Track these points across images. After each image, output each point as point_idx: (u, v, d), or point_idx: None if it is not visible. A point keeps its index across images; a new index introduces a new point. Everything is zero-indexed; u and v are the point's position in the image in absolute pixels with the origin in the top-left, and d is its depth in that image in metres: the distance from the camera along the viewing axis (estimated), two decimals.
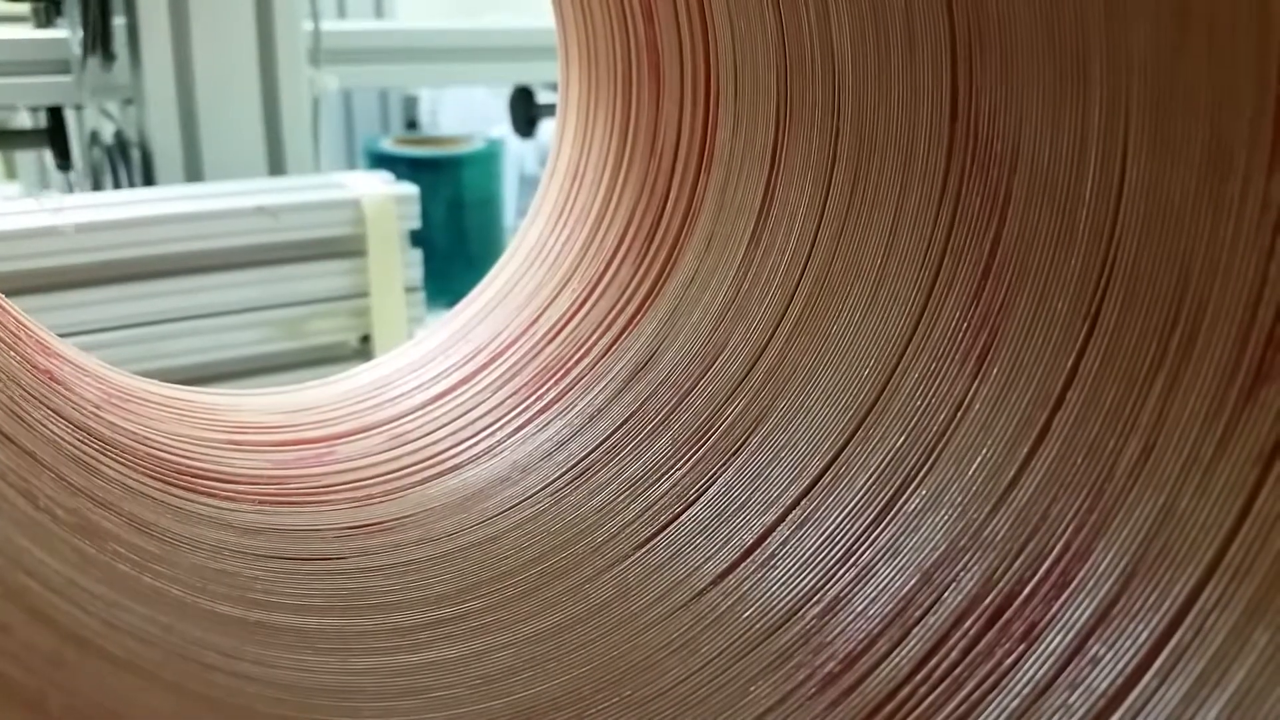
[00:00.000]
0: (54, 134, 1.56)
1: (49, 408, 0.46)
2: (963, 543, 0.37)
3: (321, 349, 1.25)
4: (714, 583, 0.43)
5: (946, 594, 0.37)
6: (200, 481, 0.51)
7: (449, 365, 0.65)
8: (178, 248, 1.16)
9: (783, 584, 0.41)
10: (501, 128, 2.45)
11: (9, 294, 0.55)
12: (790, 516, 0.44)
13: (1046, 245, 0.38)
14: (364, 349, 1.27)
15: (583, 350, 0.58)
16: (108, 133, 1.62)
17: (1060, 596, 0.34)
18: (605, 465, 0.52)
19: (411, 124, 2.88)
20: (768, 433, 0.47)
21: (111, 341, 1.12)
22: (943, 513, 0.39)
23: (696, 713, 0.38)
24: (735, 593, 0.42)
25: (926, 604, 0.37)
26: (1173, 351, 0.33)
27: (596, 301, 0.60)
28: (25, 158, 2.07)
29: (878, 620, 0.38)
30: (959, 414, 0.40)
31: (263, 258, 1.20)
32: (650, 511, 0.48)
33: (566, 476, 0.52)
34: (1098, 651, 0.32)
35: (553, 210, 0.68)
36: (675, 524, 0.47)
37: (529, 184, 2.70)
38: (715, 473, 0.47)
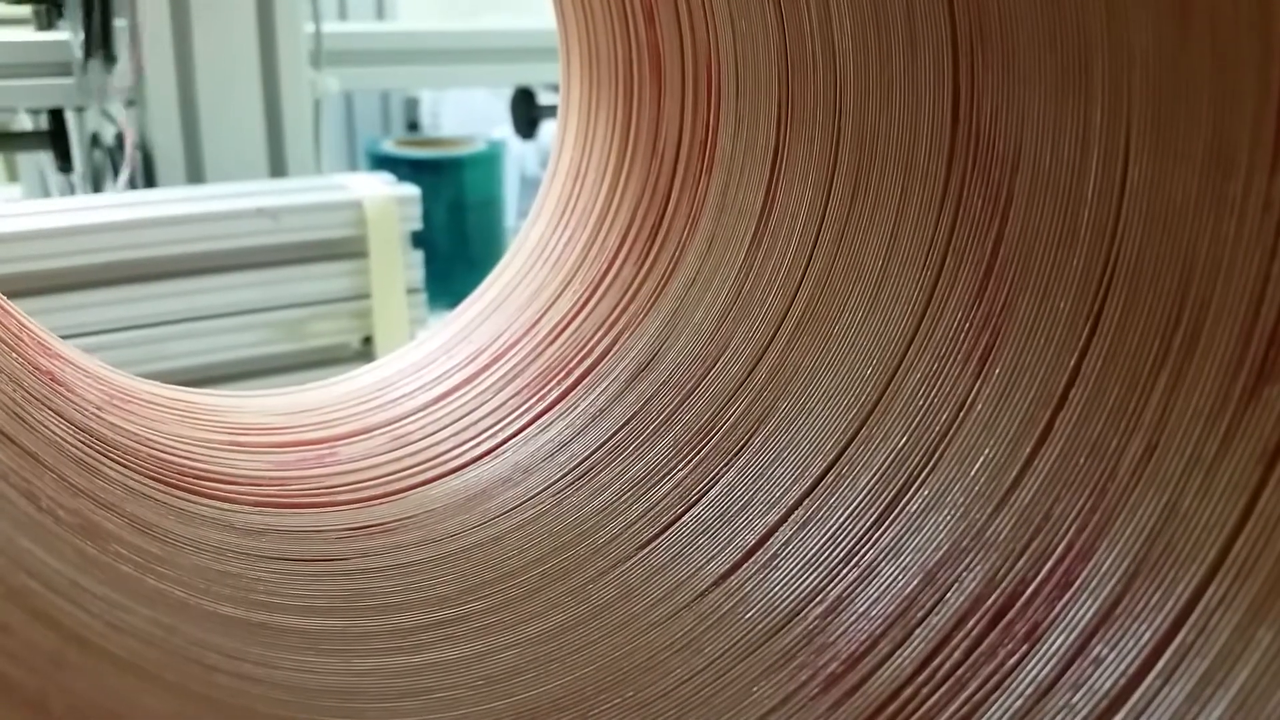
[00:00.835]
0: (55, 136, 1.56)
1: (51, 409, 0.46)
2: (965, 543, 0.37)
3: (323, 350, 1.25)
4: (716, 583, 0.43)
5: (949, 594, 0.37)
6: (202, 483, 0.51)
7: (451, 366, 0.65)
8: (179, 249, 1.16)
9: (785, 584, 0.41)
10: (503, 129, 2.45)
11: (10, 295, 0.55)
12: (793, 517, 0.44)
13: (1049, 245, 0.38)
14: (366, 350, 1.27)
15: (584, 351, 0.58)
16: (109, 134, 1.62)
17: (1063, 596, 0.34)
18: (607, 466, 0.52)
19: (413, 125, 2.88)
20: (770, 433, 0.47)
21: (113, 343, 1.12)
22: (945, 513, 0.39)
23: (699, 713, 0.38)
24: (738, 593, 0.42)
25: (929, 604, 0.37)
26: (1175, 351, 0.33)
27: (598, 302, 0.60)
28: (26, 160, 2.07)
29: (880, 620, 0.38)
30: (961, 414, 0.40)
31: (264, 259, 1.20)
32: (653, 512, 0.48)
33: (569, 477, 0.52)
34: (1101, 652, 0.32)
35: (554, 211, 0.68)
36: (678, 524, 0.47)
37: (530, 185, 2.70)
38: (718, 473, 0.47)
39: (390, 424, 0.61)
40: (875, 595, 0.39)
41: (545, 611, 0.44)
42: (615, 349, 0.57)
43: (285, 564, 0.46)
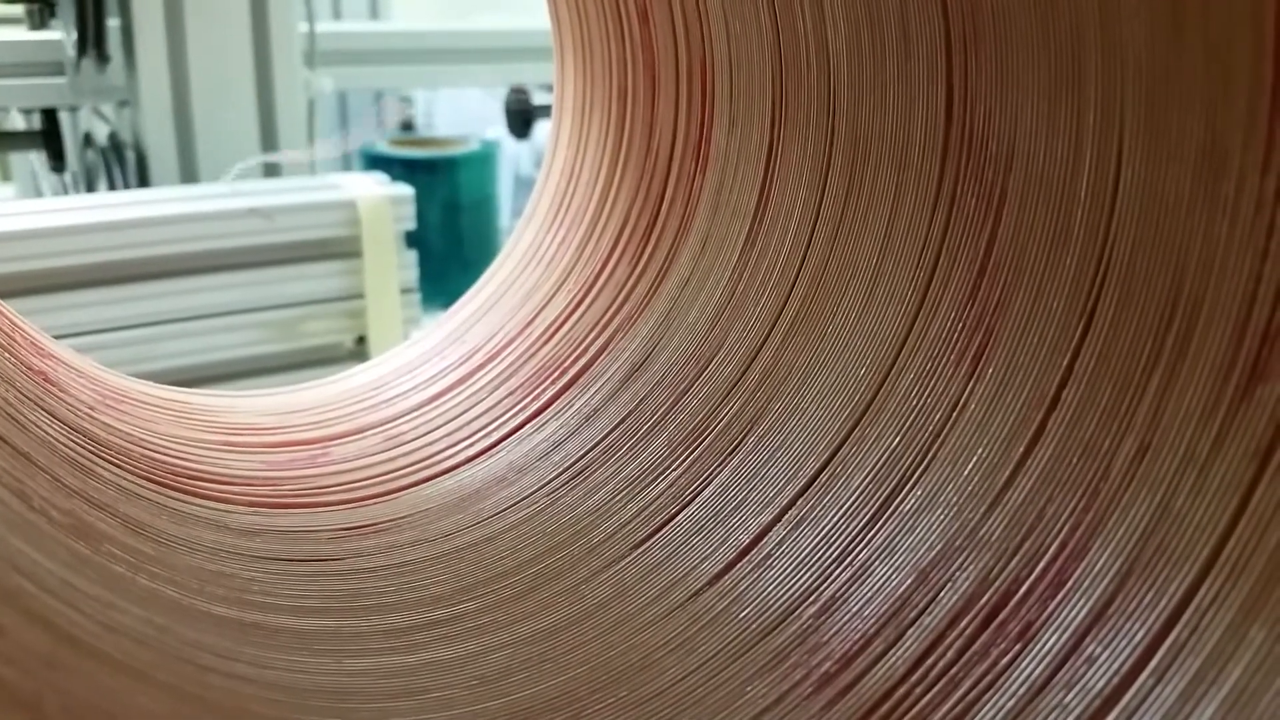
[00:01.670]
0: (48, 136, 1.56)
1: (44, 409, 0.46)
2: (959, 542, 0.37)
3: (317, 350, 1.25)
4: (710, 583, 0.43)
5: (942, 594, 0.37)
6: (196, 483, 0.51)
7: (444, 366, 0.65)
8: (172, 249, 1.15)
9: (779, 584, 0.41)
10: (497, 129, 2.45)
11: (3, 295, 0.55)
12: (786, 516, 0.44)
13: (1042, 245, 0.38)
14: (359, 350, 1.27)
15: (579, 351, 0.58)
16: (102, 134, 1.61)
17: (1056, 596, 0.34)
18: (602, 465, 0.52)
19: (407, 125, 2.87)
20: (764, 433, 0.47)
21: (106, 343, 1.12)
22: (939, 512, 0.39)
23: (693, 713, 0.38)
24: (732, 592, 0.42)
25: (922, 604, 0.37)
26: (1168, 350, 0.33)
27: (592, 302, 0.60)
28: (19, 159, 2.06)
29: (874, 620, 0.38)
30: (954, 414, 0.40)
31: (258, 259, 1.20)
32: (646, 512, 0.48)
33: (563, 477, 0.52)
34: (1094, 651, 0.32)
35: (548, 211, 0.68)
36: (671, 524, 0.47)
37: (524, 185, 2.70)
38: (711, 473, 0.47)
39: (384, 424, 0.61)
40: (869, 595, 0.39)
41: (539, 611, 0.44)
42: (609, 349, 0.57)
43: (279, 564, 0.46)
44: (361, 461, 0.57)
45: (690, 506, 0.47)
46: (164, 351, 1.16)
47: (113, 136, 1.57)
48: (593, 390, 0.56)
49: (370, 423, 0.61)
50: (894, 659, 0.36)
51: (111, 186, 1.54)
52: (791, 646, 0.39)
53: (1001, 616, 0.35)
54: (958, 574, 0.37)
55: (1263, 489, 0.30)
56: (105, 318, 1.13)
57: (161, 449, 0.52)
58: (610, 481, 0.50)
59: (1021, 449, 0.37)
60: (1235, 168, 0.31)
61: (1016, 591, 0.35)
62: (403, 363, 0.67)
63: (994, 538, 0.37)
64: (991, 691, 0.33)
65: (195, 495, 0.49)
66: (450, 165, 2.40)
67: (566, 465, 0.53)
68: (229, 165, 1.45)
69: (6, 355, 0.48)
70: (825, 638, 0.38)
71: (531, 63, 1.91)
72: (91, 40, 1.44)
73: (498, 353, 0.63)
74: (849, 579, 0.40)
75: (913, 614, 0.37)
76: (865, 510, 0.41)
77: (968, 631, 0.35)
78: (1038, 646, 0.33)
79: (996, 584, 0.36)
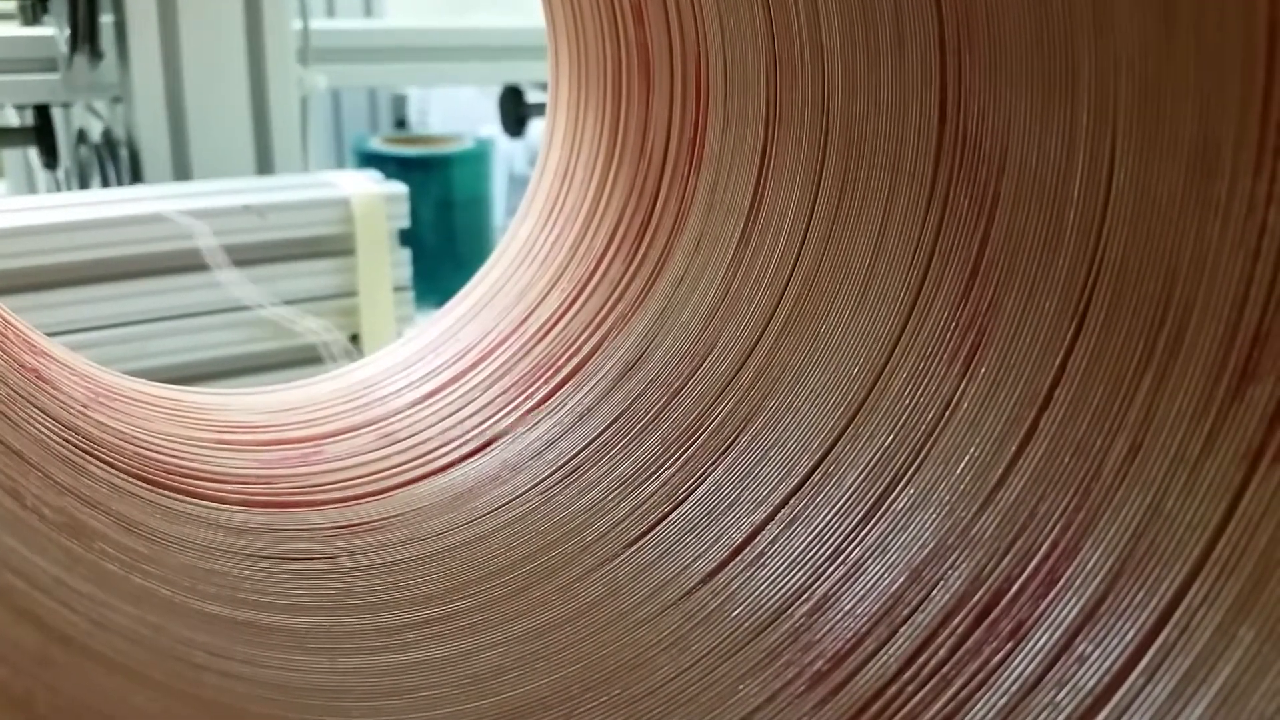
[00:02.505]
0: (41, 132, 1.55)
1: (36, 407, 0.46)
2: (951, 541, 0.38)
3: (310, 348, 1.25)
4: (703, 581, 0.43)
5: (934, 592, 0.37)
6: (188, 481, 0.50)
7: (438, 364, 0.64)
8: (165, 246, 1.15)
9: (772, 582, 0.42)
10: (491, 127, 2.44)
11: None
12: (779, 515, 0.44)
13: (1034, 245, 0.38)
14: (352, 348, 1.27)
15: (572, 349, 0.58)
16: (95, 131, 1.61)
17: (1048, 594, 0.34)
18: (595, 464, 0.52)
19: (400, 123, 2.87)
20: (757, 432, 0.47)
21: (99, 340, 1.12)
22: (931, 511, 0.39)
23: (686, 711, 0.38)
24: (724, 591, 0.42)
25: (915, 602, 0.37)
26: (1160, 351, 0.33)
27: (586, 301, 0.60)
28: (12, 156, 2.06)
29: (866, 618, 0.38)
30: (947, 413, 0.40)
31: (251, 256, 1.20)
32: (640, 510, 0.48)
33: (556, 475, 0.52)
34: (1085, 649, 0.32)
35: (542, 209, 0.68)
36: (664, 522, 0.47)
37: (518, 183, 2.70)
38: (704, 471, 0.48)
39: (377, 422, 0.61)
40: (861, 593, 0.39)
41: (532, 610, 0.44)
42: (603, 347, 0.57)
43: (271, 562, 0.46)
44: (354, 460, 0.57)
45: (683, 505, 0.47)
46: (157, 349, 1.16)
47: (106, 133, 1.56)
48: (586, 389, 0.56)
49: (363, 421, 0.61)
50: (886, 657, 0.36)
51: (105, 183, 1.54)
52: (784, 645, 0.39)
53: (994, 615, 0.35)
54: (950, 572, 0.37)
55: (1253, 489, 0.30)
56: (98, 315, 1.13)
57: (154, 447, 0.52)
58: (603, 480, 0.50)
59: (1014, 448, 0.37)
60: (1227, 169, 0.31)
61: (1008, 590, 0.35)
62: (396, 361, 0.67)
63: (986, 536, 0.37)
64: (983, 690, 0.34)
65: (188, 493, 0.49)
66: (444, 163, 2.40)
67: (560, 464, 0.53)
68: (221, 162, 1.45)
69: None
70: (818, 636, 0.39)
71: (526, 61, 1.91)
72: (84, 36, 1.43)
73: (491, 351, 0.63)
74: (841, 577, 0.40)
75: (905, 612, 0.37)
76: (858, 509, 0.41)
77: (960, 630, 0.35)
78: (1029, 645, 0.33)
79: (989, 582, 0.36)
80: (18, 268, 1.08)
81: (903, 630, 0.37)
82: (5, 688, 0.23)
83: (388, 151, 2.38)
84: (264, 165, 1.52)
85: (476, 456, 0.56)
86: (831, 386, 0.45)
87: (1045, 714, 0.32)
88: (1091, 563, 0.33)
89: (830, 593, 0.40)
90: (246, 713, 0.34)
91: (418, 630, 0.43)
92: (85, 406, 0.51)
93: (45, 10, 1.61)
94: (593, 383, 0.56)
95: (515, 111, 2.04)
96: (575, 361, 0.58)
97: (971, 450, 0.39)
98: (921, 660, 0.36)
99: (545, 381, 0.58)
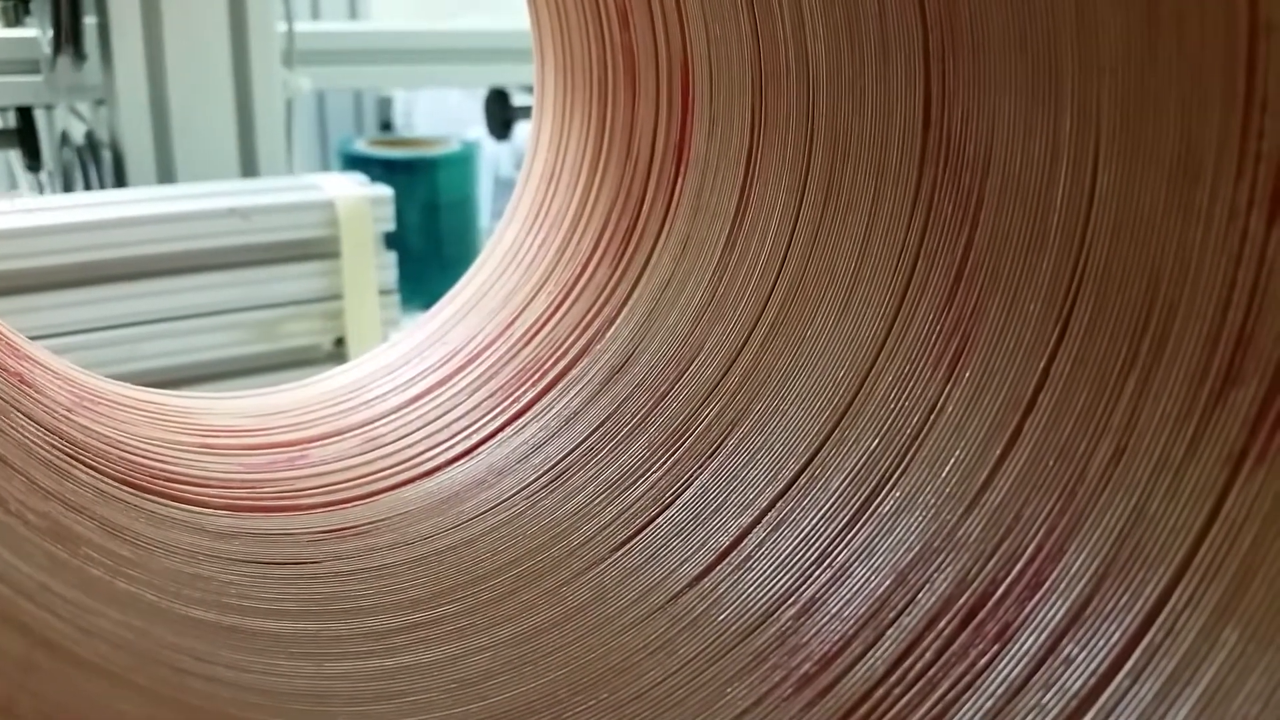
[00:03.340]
0: (23, 134, 1.55)
1: (20, 411, 0.46)
2: (936, 544, 0.38)
3: (295, 352, 1.25)
4: (690, 585, 0.43)
5: (920, 595, 0.37)
6: (173, 486, 0.50)
7: (424, 368, 0.64)
8: (150, 249, 1.15)
9: (758, 586, 0.42)
10: (476, 130, 2.44)
11: None
12: (766, 519, 0.44)
13: (1018, 249, 0.39)
14: (338, 352, 1.26)
15: (559, 353, 0.58)
16: (78, 133, 1.60)
17: (1033, 597, 0.34)
18: (582, 468, 0.52)
19: (386, 125, 2.86)
20: (743, 436, 0.47)
21: (83, 344, 1.11)
22: (917, 514, 0.39)
23: (673, 714, 0.38)
24: (711, 595, 0.42)
25: (901, 605, 0.37)
26: (1143, 355, 0.34)
27: (573, 304, 0.60)
28: None
29: (853, 621, 0.38)
30: (932, 417, 0.40)
31: (236, 259, 1.19)
32: (627, 514, 0.48)
33: (543, 479, 0.52)
34: (1071, 651, 0.32)
35: (528, 213, 0.68)
36: (651, 526, 0.47)
37: (504, 186, 2.69)
38: (691, 475, 0.48)
39: (363, 426, 0.61)
40: (847, 596, 0.39)
41: (519, 614, 0.44)
42: (590, 351, 0.57)
43: (257, 567, 0.46)
44: (340, 464, 0.57)
45: (670, 509, 0.47)
46: (141, 353, 1.15)
47: (89, 135, 1.56)
48: (573, 393, 0.56)
49: (349, 425, 0.61)
50: (873, 660, 0.37)
51: (88, 186, 1.53)
52: (771, 648, 0.39)
53: (979, 618, 0.35)
54: (936, 575, 0.37)
55: (1236, 492, 0.30)
56: (82, 318, 1.12)
57: (139, 451, 0.52)
58: (590, 484, 0.50)
59: (998, 451, 0.37)
60: (1209, 175, 0.32)
61: (994, 593, 0.35)
62: (382, 365, 0.67)
63: (971, 539, 0.37)
64: (970, 692, 0.34)
65: (173, 498, 0.49)
66: (430, 166, 2.39)
67: (547, 468, 0.53)
68: (206, 165, 1.44)
69: None
70: (804, 639, 0.39)
71: (512, 63, 1.90)
72: (68, 38, 1.42)
73: (477, 355, 0.63)
74: (828, 581, 0.40)
75: (891, 615, 0.37)
76: (844, 512, 0.41)
77: (946, 632, 0.36)
78: (1015, 647, 0.34)
79: (974, 585, 0.36)
80: (0, 271, 1.07)
81: (889, 633, 0.37)
82: None
83: (373, 154, 2.38)
84: (248, 168, 1.51)
85: (463, 460, 0.56)
86: (817, 390, 0.45)
87: (1031, 716, 0.32)
88: (1076, 566, 0.33)
89: (817, 596, 0.40)
90: (231, 717, 0.34)
91: (404, 635, 0.43)
92: (69, 411, 0.51)
93: (27, 11, 1.60)
94: (579, 386, 0.56)
95: (501, 114, 2.04)
96: (562, 365, 0.58)
97: (956, 454, 0.39)
98: (908, 663, 0.36)
99: (531, 385, 0.58)
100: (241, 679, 0.37)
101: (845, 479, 0.42)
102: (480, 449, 0.56)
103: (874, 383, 0.43)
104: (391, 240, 1.30)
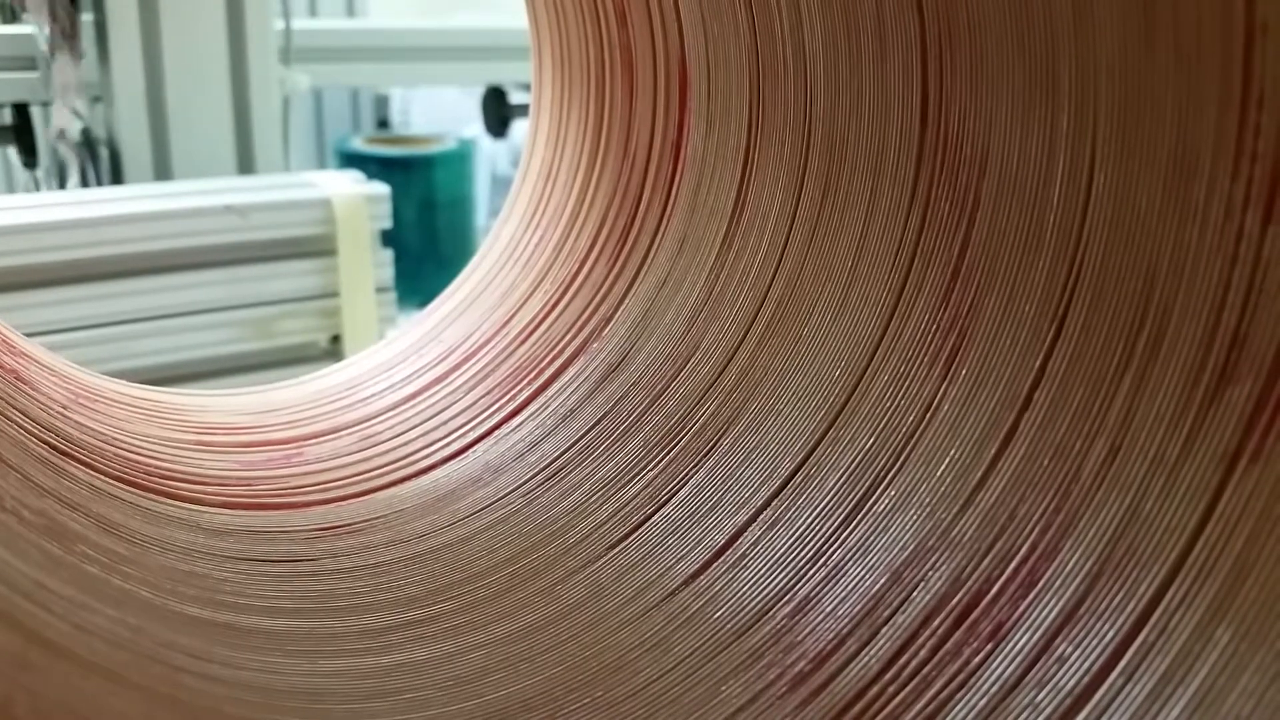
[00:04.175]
0: (20, 131, 1.54)
1: (15, 408, 0.46)
2: (931, 542, 0.38)
3: (291, 349, 1.25)
4: (686, 583, 0.43)
5: (915, 593, 0.37)
6: (169, 483, 0.50)
7: (420, 366, 0.64)
8: (146, 246, 1.14)
9: (754, 584, 0.42)
10: (473, 128, 2.44)
11: None
12: (761, 517, 0.44)
13: (1015, 248, 0.39)
14: (334, 349, 1.26)
15: (555, 351, 0.58)
16: (75, 130, 1.60)
17: (1027, 596, 0.34)
18: (578, 466, 0.52)
19: (383, 123, 2.86)
20: (739, 434, 0.47)
21: (79, 341, 1.11)
22: (912, 513, 0.39)
23: (668, 712, 0.38)
24: (707, 593, 0.42)
25: (895, 603, 0.37)
26: (1139, 353, 0.34)
27: (569, 303, 0.60)
28: None
29: (847, 620, 0.38)
30: (928, 415, 0.40)
31: (232, 257, 1.19)
32: (622, 512, 0.48)
33: (539, 477, 0.52)
34: (1065, 650, 0.32)
35: (525, 211, 0.68)
36: (647, 524, 0.47)
37: (501, 184, 2.69)
38: (687, 473, 0.48)
39: (359, 424, 0.61)
40: (842, 594, 0.39)
41: (515, 612, 0.44)
42: (586, 349, 0.57)
43: (252, 564, 0.46)
44: (336, 461, 0.57)
45: (666, 507, 0.47)
46: (137, 350, 1.15)
47: (86, 132, 1.55)
48: (569, 391, 0.56)
49: (345, 423, 0.61)
50: (867, 658, 0.37)
51: (84, 183, 1.53)
52: (766, 646, 0.39)
53: (974, 616, 0.35)
54: (930, 574, 0.37)
55: (1230, 491, 0.30)
56: (78, 315, 1.12)
57: (135, 448, 0.52)
58: (586, 482, 0.50)
59: (994, 450, 0.38)
60: (1205, 174, 0.32)
61: (988, 591, 0.35)
62: (378, 362, 0.67)
63: (966, 538, 0.37)
64: (964, 690, 0.34)
65: (168, 495, 0.49)
66: (426, 163, 2.39)
67: (543, 466, 0.53)
68: (203, 162, 1.44)
69: None
70: (799, 637, 0.39)
71: (509, 61, 1.90)
72: (64, 35, 1.42)
73: (474, 353, 0.63)
74: (823, 579, 0.40)
75: (886, 613, 0.37)
76: (839, 511, 0.41)
77: (940, 631, 0.36)
78: (1009, 646, 0.34)
79: (969, 584, 0.36)
80: None
81: (884, 631, 0.37)
82: None
83: (370, 152, 2.38)
84: (245, 165, 1.51)
85: (459, 458, 0.56)
86: (813, 389, 0.45)
87: (1025, 714, 0.32)
88: (1071, 564, 0.33)
89: (812, 594, 0.40)
90: (226, 715, 0.34)
91: (400, 632, 0.43)
92: (65, 408, 0.51)
93: (24, 8, 1.60)
94: (576, 385, 0.56)
95: (498, 112, 2.04)
96: (558, 363, 0.58)
97: (952, 452, 0.39)
98: (902, 661, 0.36)
99: (528, 383, 0.58)
100: (237, 676, 0.37)
101: (840, 477, 0.42)
102: (476, 447, 0.56)
103: (870, 381, 0.43)
104: (388, 238, 1.30)
